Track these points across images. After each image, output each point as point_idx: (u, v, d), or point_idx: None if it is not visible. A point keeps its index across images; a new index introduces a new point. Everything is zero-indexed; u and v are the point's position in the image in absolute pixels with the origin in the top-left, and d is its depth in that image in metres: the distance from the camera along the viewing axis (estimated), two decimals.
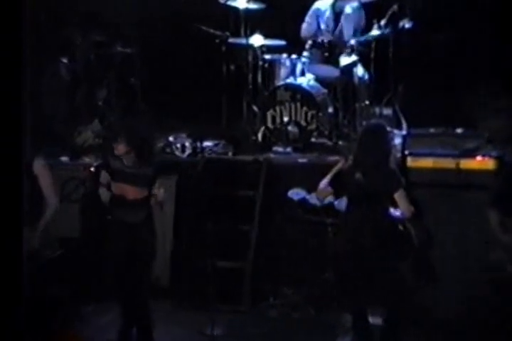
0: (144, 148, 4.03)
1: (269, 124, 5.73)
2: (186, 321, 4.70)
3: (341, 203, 4.63)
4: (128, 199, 3.97)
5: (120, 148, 3.93)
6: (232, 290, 5.01)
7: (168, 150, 5.60)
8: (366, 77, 5.77)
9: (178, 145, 5.58)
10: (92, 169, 5.24)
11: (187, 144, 5.57)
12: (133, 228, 3.99)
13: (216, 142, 5.71)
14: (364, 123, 5.28)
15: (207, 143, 5.69)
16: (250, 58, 5.75)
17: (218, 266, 4.89)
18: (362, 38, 5.61)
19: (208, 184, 5.30)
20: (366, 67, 5.71)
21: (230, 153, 5.61)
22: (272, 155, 5.59)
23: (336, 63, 5.64)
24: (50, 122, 5.72)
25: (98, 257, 4.82)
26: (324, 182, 4.14)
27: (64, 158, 5.46)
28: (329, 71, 5.66)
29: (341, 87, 5.64)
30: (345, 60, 5.66)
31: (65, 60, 5.93)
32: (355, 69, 5.66)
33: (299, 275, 5.02)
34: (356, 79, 5.67)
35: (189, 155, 5.55)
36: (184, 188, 5.34)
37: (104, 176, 4.02)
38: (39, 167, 4.05)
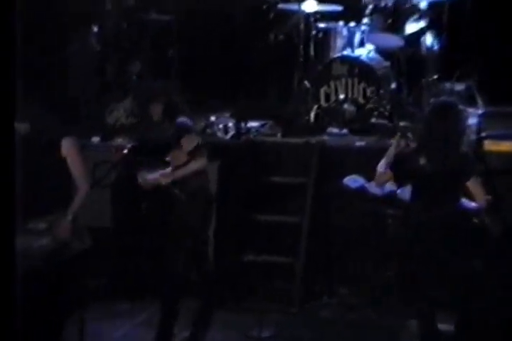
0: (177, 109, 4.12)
1: (323, 102, 5.61)
2: (230, 322, 4.67)
3: (404, 192, 4.52)
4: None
5: (157, 111, 4.01)
6: (281, 289, 4.97)
7: (209, 131, 5.54)
8: (436, 46, 5.56)
9: (221, 125, 5.52)
10: (125, 151, 5.11)
11: (230, 125, 5.52)
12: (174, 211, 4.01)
13: (263, 122, 5.63)
14: (432, 100, 5.08)
15: (252, 124, 5.61)
16: (302, 27, 5.61)
17: (265, 261, 4.89)
18: (432, 0, 5.41)
19: (253, 169, 5.24)
20: (437, 35, 5.49)
21: (279, 135, 5.53)
22: (325, 138, 5.47)
23: (400, 31, 5.46)
24: (79, 99, 5.69)
25: (133, 249, 4.86)
26: (383, 165, 3.97)
27: (94, 139, 5.44)
28: (393, 40, 5.49)
29: (406, 58, 5.46)
30: (411, 27, 5.46)
31: (94, 29, 5.87)
32: (423, 38, 5.47)
33: (356, 273, 4.93)
34: (424, 50, 5.49)
35: (232, 136, 5.49)
36: (227, 174, 5.27)
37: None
38: (69, 147, 3.97)
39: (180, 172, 4.13)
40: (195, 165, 4.15)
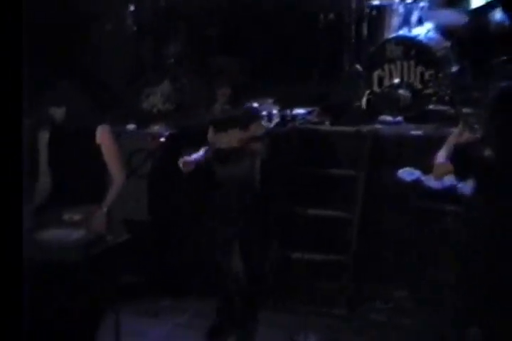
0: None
1: (376, 87, 5.47)
2: (274, 325, 4.62)
3: (466, 187, 4.45)
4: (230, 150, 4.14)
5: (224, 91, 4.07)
6: (329, 290, 4.89)
7: None
8: (506, 23, 5.32)
9: (264, 112, 5.38)
10: (163, 139, 5.18)
11: (274, 112, 5.44)
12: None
13: (310, 109, 5.54)
14: (499, 85, 5.07)
15: (298, 111, 5.52)
16: (353, 4, 5.53)
17: (312, 259, 4.79)
18: None
19: (299, 160, 5.16)
20: (508, 9, 5.25)
21: (327, 123, 5.42)
22: (378, 126, 5.34)
23: (464, 6, 5.30)
24: (114, 83, 5.67)
25: (172, 244, 4.86)
26: (442, 156, 3.84)
27: (130, 126, 5.40)
28: (455, 17, 5.32)
29: (471, 38, 5.27)
30: (477, 1, 5.29)
31: (131, 8, 5.83)
32: (491, 14, 5.28)
33: (412, 275, 4.81)
34: (492, 28, 5.28)
35: (277, 124, 5.41)
36: (270, 165, 5.27)
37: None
38: (104, 135, 3.96)
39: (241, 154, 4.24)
40: (259, 152, 4.26)
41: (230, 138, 4.28)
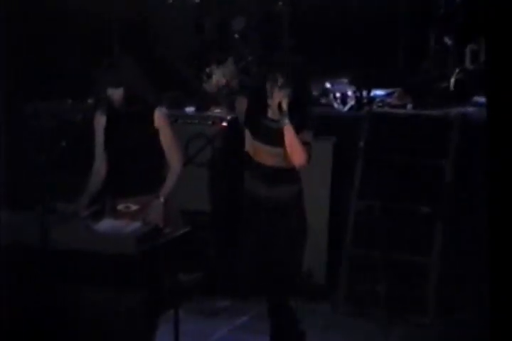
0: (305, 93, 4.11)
1: (468, 64, 5.41)
2: (348, 332, 4.74)
3: None
4: (272, 167, 4.08)
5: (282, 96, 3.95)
6: (411, 295, 4.94)
7: (323, 101, 5.52)
8: None
9: (338, 94, 5.46)
10: (224, 124, 5.35)
11: (349, 93, 5.46)
12: (278, 205, 4.09)
13: (389, 90, 5.53)
14: None
15: (376, 92, 5.53)
16: None
17: (391, 260, 4.85)
18: None
19: (377, 148, 5.18)
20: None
21: (409, 106, 5.41)
22: (469, 109, 5.30)
23: None
24: (172, 61, 5.82)
25: (233, 237, 4.80)
26: None
27: (189, 109, 5.54)
28: None
29: None
30: None
31: None
32: None
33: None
34: None
35: (352, 108, 5.45)
36: (345, 153, 5.28)
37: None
38: (162, 118, 4.09)
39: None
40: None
41: (275, 154, 4.17)
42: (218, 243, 5.27)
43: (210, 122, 5.40)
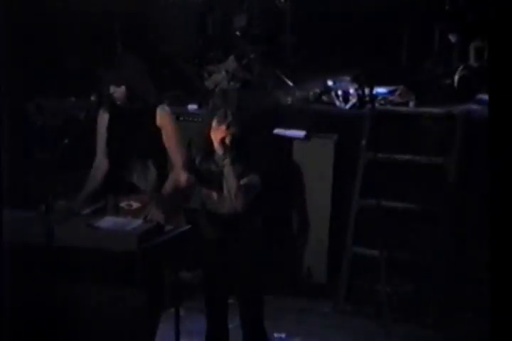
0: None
1: (472, 61, 5.46)
2: (348, 332, 4.85)
3: None
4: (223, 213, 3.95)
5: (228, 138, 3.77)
6: (412, 295, 5.09)
7: (325, 98, 5.61)
8: None
9: (339, 92, 5.56)
10: None
11: (351, 91, 5.54)
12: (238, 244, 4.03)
13: (392, 88, 5.60)
14: None
15: (379, 90, 5.58)
16: None
17: (392, 260, 4.94)
18: None
19: (379, 146, 5.23)
20: None
21: (412, 104, 5.50)
22: (473, 107, 5.35)
23: None
24: (174, 59, 5.95)
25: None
26: None
27: (191, 106, 5.65)
28: None
29: None
30: None
31: None
32: None
33: None
34: None
35: (353, 105, 5.53)
36: (346, 151, 5.39)
37: None
38: (164, 116, 4.24)
39: None
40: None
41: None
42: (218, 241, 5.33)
43: None
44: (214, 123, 3.99)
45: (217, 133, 3.96)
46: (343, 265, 5.24)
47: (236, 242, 4.07)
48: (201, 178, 4.04)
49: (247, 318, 4.05)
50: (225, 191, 3.94)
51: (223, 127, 3.95)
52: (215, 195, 4.03)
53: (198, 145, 4.13)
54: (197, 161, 4.08)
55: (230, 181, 3.93)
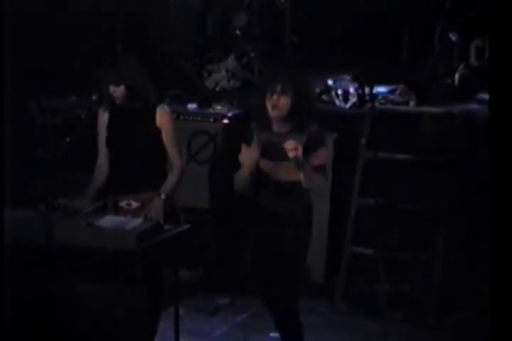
0: (310, 106, 4.15)
1: (473, 60, 5.54)
2: (346, 331, 4.98)
3: None
4: (278, 181, 4.13)
5: (282, 103, 4.01)
6: (411, 294, 5.19)
7: (325, 97, 5.71)
8: None
9: (339, 91, 5.65)
10: (226, 121, 5.52)
11: (351, 90, 5.64)
12: (285, 220, 4.15)
13: (392, 87, 5.68)
14: None
15: (379, 89, 5.68)
16: None
17: (391, 259, 5.07)
18: None
19: (380, 145, 5.35)
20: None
21: (412, 103, 5.59)
22: (473, 106, 5.43)
23: None
24: (174, 58, 6.04)
25: (235, 235, 5.13)
26: None
27: (191, 106, 5.75)
28: None
29: None
30: None
31: None
32: None
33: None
34: None
35: (354, 105, 5.63)
36: (346, 150, 5.48)
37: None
38: (164, 116, 4.33)
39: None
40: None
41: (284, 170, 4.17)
42: (219, 240, 5.51)
43: (212, 119, 5.63)
44: (268, 95, 4.17)
45: (272, 103, 4.15)
46: (341, 264, 5.36)
47: (288, 216, 4.19)
48: (262, 150, 4.16)
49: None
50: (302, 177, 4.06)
51: (276, 96, 4.15)
52: (272, 164, 4.18)
53: (256, 118, 4.29)
54: (255, 133, 4.23)
55: (294, 151, 4.06)
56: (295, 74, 4.35)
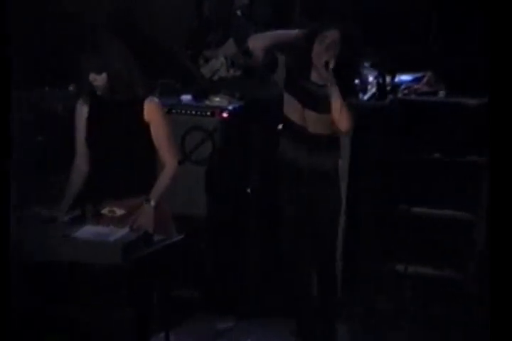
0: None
1: None
2: (345, 332, 4.96)
3: None
4: (314, 133, 4.44)
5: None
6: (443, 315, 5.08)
7: None
8: None
9: (356, 80, 5.40)
10: (225, 115, 5.40)
11: (370, 79, 5.56)
12: (317, 174, 4.41)
13: (418, 75, 5.61)
14: None
15: (402, 77, 5.62)
16: None
17: (421, 274, 5.08)
18: None
19: (402, 142, 5.29)
20: None
21: (441, 93, 5.51)
22: None
23: None
24: (164, 42, 5.86)
25: (237, 247, 5.04)
26: None
27: (185, 97, 5.62)
28: None
29: None
30: None
31: None
32: None
33: None
34: None
35: (372, 96, 5.55)
36: (364, 148, 5.35)
37: None
38: (153, 109, 4.20)
39: None
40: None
41: (320, 121, 4.50)
42: (217, 253, 5.37)
43: (209, 113, 5.51)
44: (317, 46, 4.51)
45: (322, 57, 4.47)
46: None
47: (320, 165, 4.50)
48: (299, 97, 4.53)
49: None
50: (334, 112, 4.45)
51: (325, 50, 4.48)
52: (311, 114, 4.51)
53: (294, 65, 4.60)
54: (295, 80, 4.55)
55: (339, 102, 4.45)
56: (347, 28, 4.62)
